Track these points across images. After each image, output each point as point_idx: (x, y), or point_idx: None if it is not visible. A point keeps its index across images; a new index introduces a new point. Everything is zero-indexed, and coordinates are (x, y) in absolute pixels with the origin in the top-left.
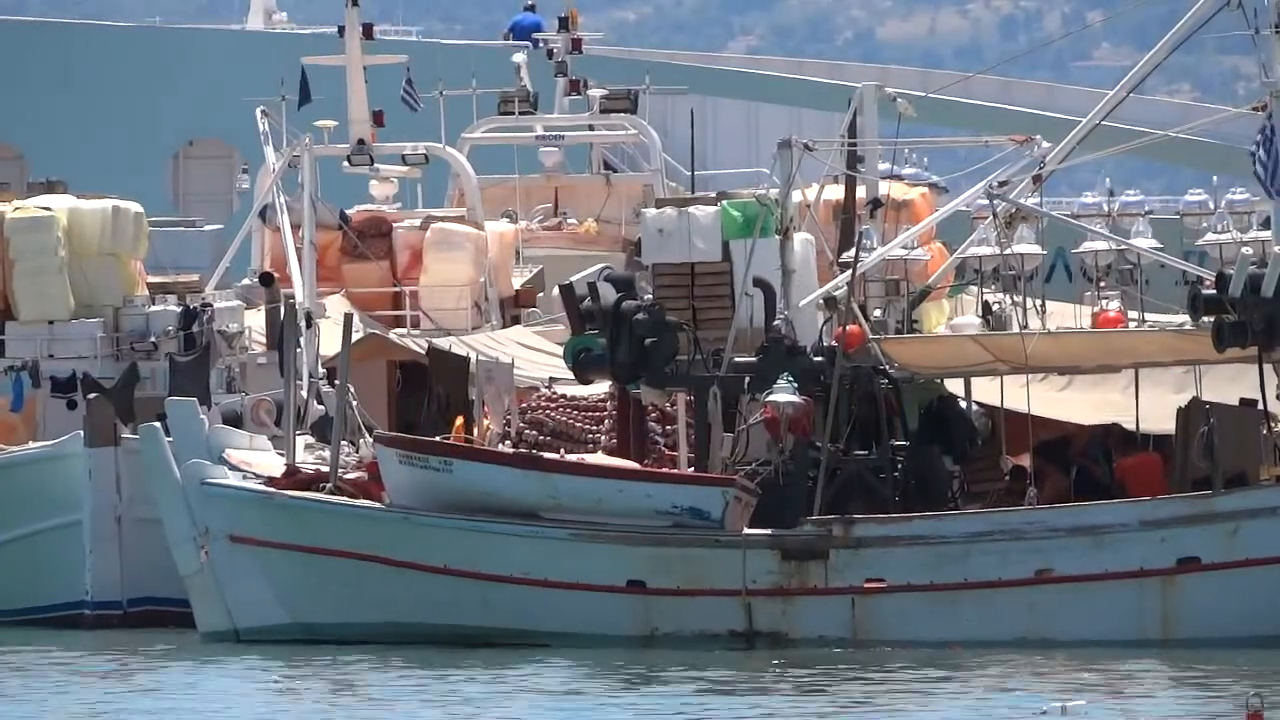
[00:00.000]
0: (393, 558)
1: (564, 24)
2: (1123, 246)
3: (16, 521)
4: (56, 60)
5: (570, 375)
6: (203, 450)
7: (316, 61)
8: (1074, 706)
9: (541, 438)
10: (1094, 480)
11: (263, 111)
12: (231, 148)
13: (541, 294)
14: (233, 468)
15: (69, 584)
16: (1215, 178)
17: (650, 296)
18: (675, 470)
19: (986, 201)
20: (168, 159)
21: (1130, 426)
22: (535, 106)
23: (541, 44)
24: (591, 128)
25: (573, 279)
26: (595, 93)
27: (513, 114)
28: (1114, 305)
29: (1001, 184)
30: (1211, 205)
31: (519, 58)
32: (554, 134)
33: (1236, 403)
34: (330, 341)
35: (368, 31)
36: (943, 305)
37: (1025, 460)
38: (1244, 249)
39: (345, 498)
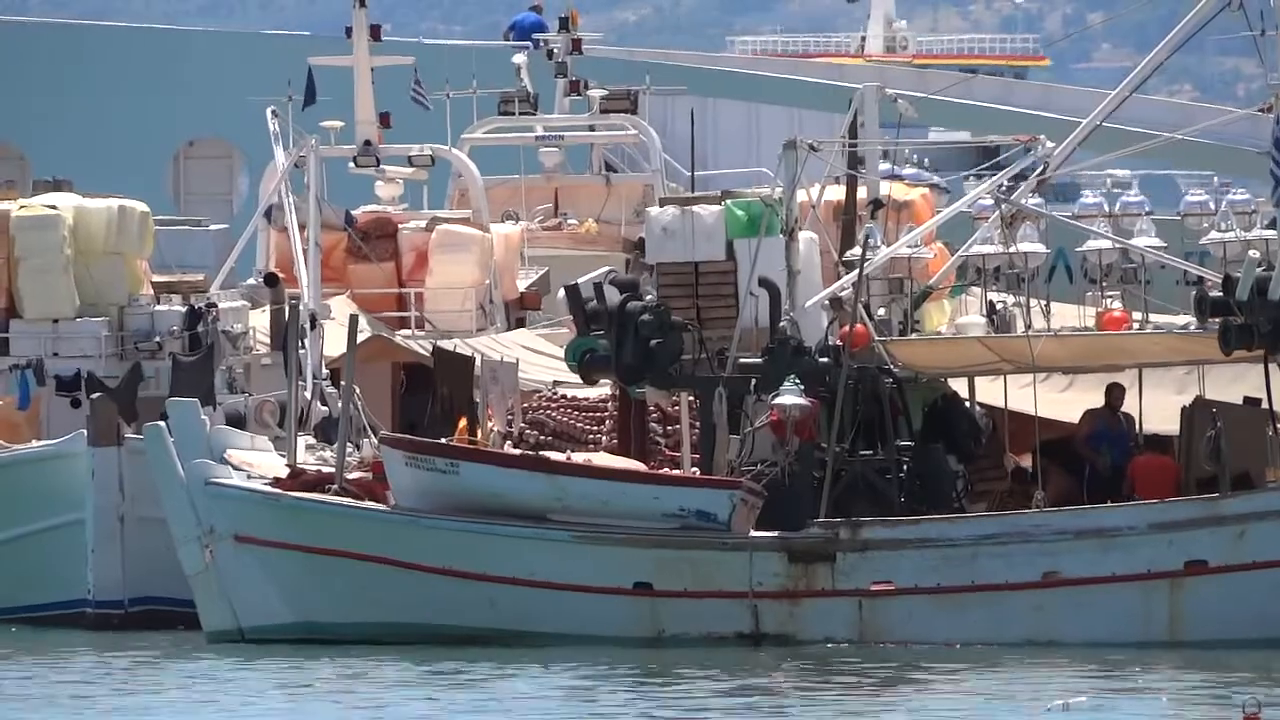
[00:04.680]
0: (398, 559)
1: (564, 24)
2: (1124, 246)
3: (19, 520)
4: (56, 60)
5: (573, 378)
6: (204, 450)
7: (324, 62)
8: (1076, 703)
9: (543, 438)
10: (1097, 473)
11: (273, 112)
12: (232, 148)
13: (547, 296)
14: (235, 468)
15: (71, 583)
16: (1216, 178)
17: (652, 297)
18: (682, 473)
19: (989, 202)
20: (168, 159)
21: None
22: (535, 107)
23: (542, 44)
24: (592, 128)
25: (578, 281)
26: (595, 93)
27: (513, 114)
28: (1117, 305)
29: (1009, 187)
30: (1212, 206)
31: (519, 58)
32: (554, 134)
33: (1240, 402)
34: (335, 343)
35: (375, 33)
36: (944, 305)
37: (1027, 460)
38: (1251, 252)
39: (350, 498)
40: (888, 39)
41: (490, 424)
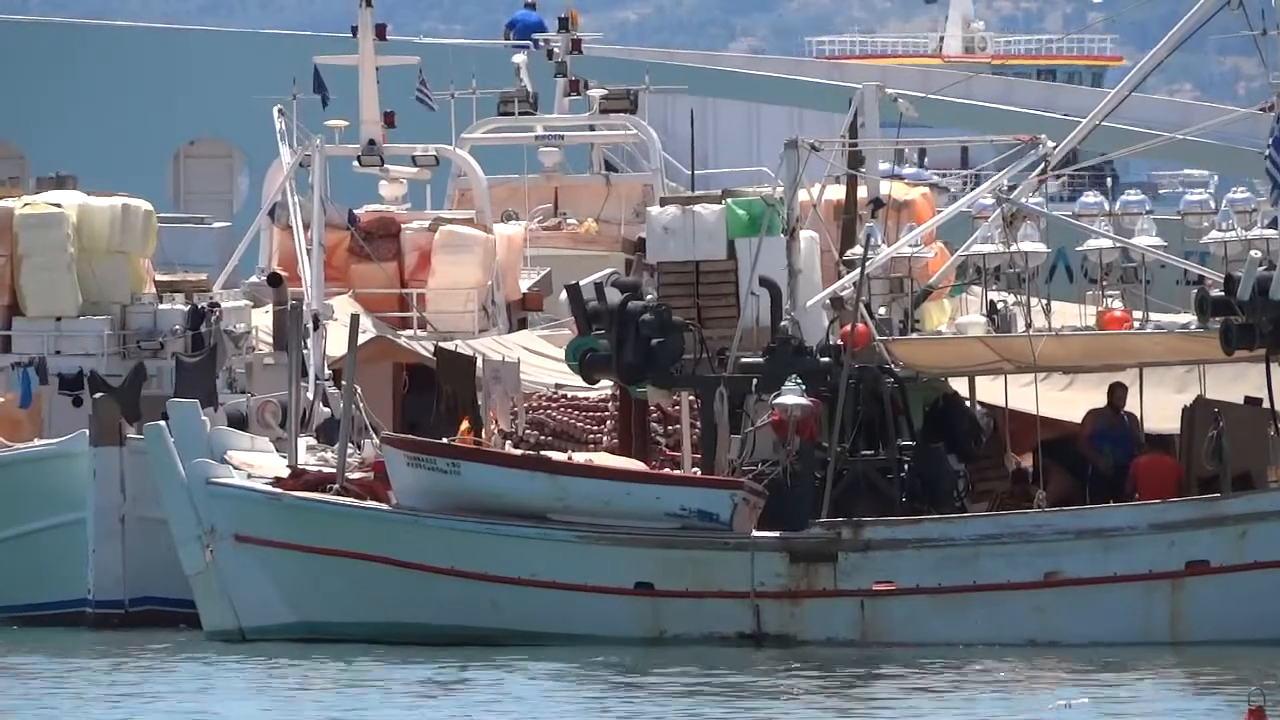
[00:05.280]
0: (400, 559)
1: (564, 24)
2: (1124, 245)
3: (20, 518)
4: (56, 60)
5: (575, 380)
6: (205, 451)
7: (329, 61)
8: (1077, 704)
9: (543, 438)
10: (1098, 471)
11: (279, 110)
12: (232, 147)
13: (549, 297)
14: (236, 468)
15: (71, 583)
16: (1216, 177)
17: (653, 297)
18: (683, 473)
19: (989, 201)
20: (168, 159)
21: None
22: (535, 107)
23: (541, 44)
24: (592, 128)
25: (580, 283)
26: (595, 93)
27: (513, 114)
28: (1117, 305)
29: (1011, 187)
30: (1212, 205)
31: (519, 58)
32: (554, 134)
33: (1240, 402)
34: (337, 343)
35: (380, 32)
36: (944, 305)
37: (1028, 460)
38: (1252, 251)
39: (352, 498)
40: (966, 40)
41: (494, 426)
